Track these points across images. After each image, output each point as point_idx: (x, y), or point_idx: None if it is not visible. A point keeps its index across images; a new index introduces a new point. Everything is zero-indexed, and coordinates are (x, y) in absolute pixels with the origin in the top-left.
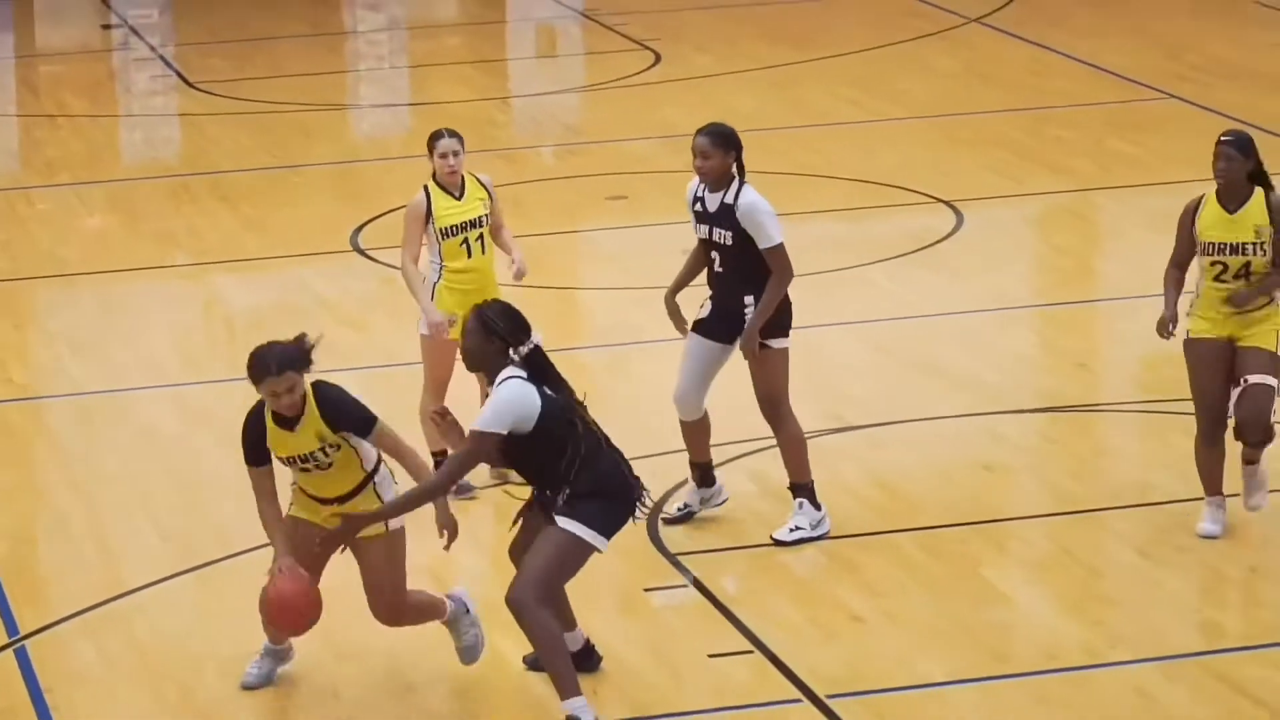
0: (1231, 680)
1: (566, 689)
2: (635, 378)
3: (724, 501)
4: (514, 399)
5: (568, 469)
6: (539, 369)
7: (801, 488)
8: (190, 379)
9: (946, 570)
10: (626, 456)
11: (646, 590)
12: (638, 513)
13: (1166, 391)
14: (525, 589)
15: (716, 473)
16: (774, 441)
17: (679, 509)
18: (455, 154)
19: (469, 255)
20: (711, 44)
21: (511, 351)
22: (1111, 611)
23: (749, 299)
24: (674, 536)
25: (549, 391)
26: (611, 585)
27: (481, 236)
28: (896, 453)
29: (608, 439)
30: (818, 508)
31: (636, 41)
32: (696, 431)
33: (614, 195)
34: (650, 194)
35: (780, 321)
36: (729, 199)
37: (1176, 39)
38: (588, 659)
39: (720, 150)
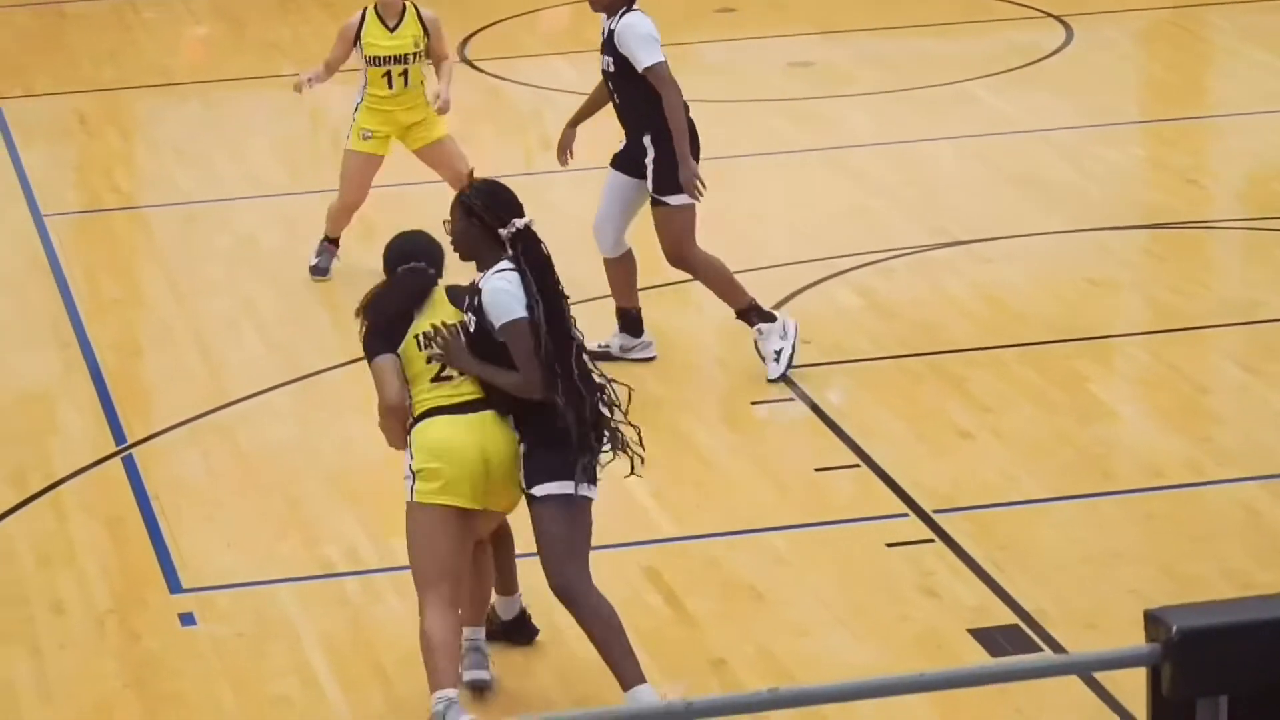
0: None
1: (629, 676)
2: (738, 188)
3: (650, 359)
4: (506, 286)
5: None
6: (531, 256)
7: (745, 313)
8: (293, 189)
9: (1052, 386)
10: (738, 270)
11: (753, 404)
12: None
13: (1276, 209)
14: (565, 574)
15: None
16: (879, 255)
17: (598, 345)
18: None
19: (389, 86)
20: None
21: (501, 231)
22: (1218, 429)
23: (647, 140)
24: None
25: (537, 295)
26: (718, 398)
27: (406, 72)
28: (1002, 267)
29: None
30: (772, 319)
31: None
32: (617, 270)
33: (722, 8)
34: (757, 7)
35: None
36: (614, 24)
37: None
38: (521, 630)
39: None
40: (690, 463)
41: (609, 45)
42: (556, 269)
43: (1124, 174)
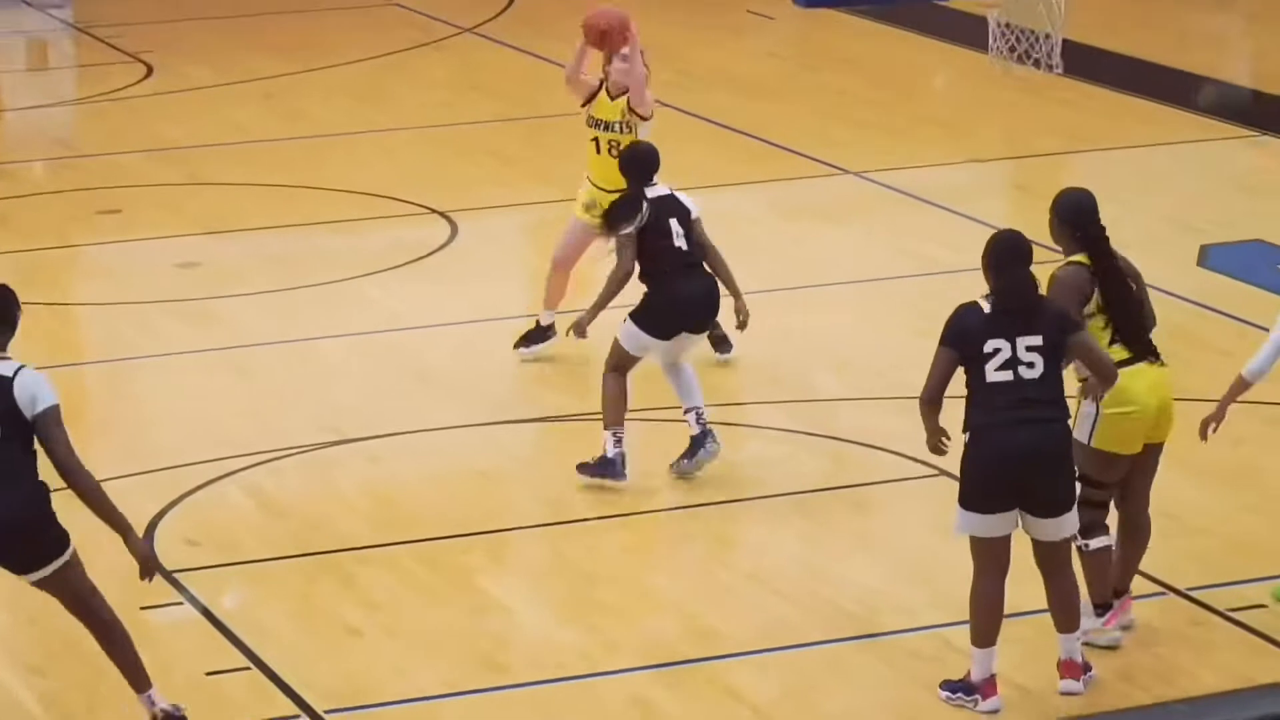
0: (724, 684)
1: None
2: (132, 393)
3: None
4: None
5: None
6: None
7: None
8: None
9: (444, 581)
10: (128, 473)
11: (143, 609)
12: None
13: (650, 400)
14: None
15: None
16: (270, 454)
17: None
18: None
19: None
20: (206, 56)
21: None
22: (609, 619)
23: None
24: (171, 554)
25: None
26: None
27: None
28: (394, 464)
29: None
30: None
31: (129, 54)
32: None
33: (107, 209)
34: (143, 207)
35: None
36: None
37: (668, 48)
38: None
39: None
40: None
41: None
42: None
43: (514, 367)
